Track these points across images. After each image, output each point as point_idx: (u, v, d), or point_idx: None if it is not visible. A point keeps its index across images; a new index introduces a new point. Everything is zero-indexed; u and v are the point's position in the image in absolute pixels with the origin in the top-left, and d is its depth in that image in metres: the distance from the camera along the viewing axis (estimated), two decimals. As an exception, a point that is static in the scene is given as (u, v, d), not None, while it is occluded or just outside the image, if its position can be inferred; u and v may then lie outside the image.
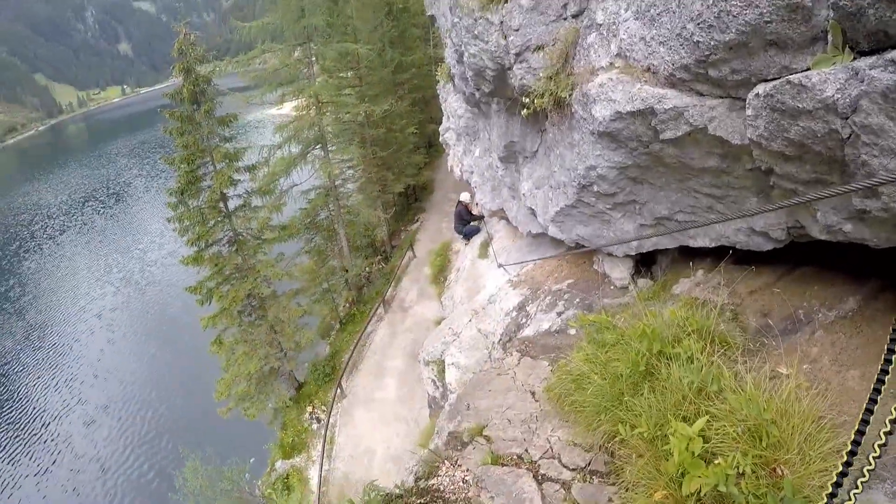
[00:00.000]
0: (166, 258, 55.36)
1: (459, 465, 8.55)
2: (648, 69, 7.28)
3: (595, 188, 9.65)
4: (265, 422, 27.68)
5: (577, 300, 13.77)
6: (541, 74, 9.44)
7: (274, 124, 29.58)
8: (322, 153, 30.26)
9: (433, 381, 18.25)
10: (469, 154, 19.43)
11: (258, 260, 25.42)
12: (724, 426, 5.48)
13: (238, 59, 28.56)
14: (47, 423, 38.52)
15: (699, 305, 8.60)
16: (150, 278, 54.70)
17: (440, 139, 25.41)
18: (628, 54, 7.57)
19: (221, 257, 24.44)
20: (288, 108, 31.46)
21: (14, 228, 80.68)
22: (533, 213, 13.89)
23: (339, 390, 25.51)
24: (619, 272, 13.40)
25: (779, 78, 5.48)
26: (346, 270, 32.98)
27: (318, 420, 26.09)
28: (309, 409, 26.86)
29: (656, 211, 9.84)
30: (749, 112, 6.00)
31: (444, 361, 16.91)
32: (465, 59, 11.83)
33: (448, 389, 15.91)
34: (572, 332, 12.64)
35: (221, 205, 24.02)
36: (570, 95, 8.81)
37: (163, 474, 31.88)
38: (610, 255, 12.61)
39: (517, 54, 9.95)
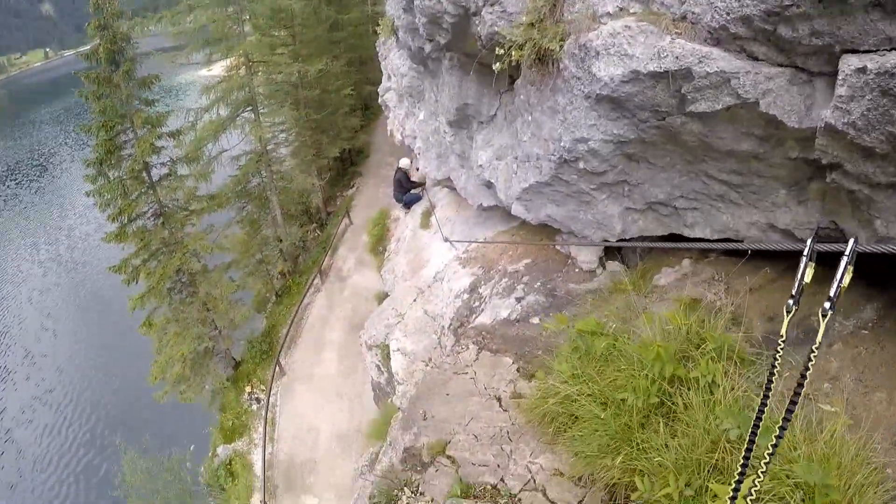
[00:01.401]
0: (95, 233, 50.07)
1: (422, 494, 7.19)
2: (684, 17, 5.49)
3: (581, 164, 7.73)
4: (204, 405, 25.85)
5: (538, 284, 11.99)
6: (520, 20, 7.41)
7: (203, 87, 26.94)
8: (253, 116, 27.94)
9: (377, 366, 16.51)
10: (412, 117, 17.17)
11: (186, 233, 23.33)
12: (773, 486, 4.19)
13: (161, 15, 25.46)
14: None
15: (694, 305, 7.36)
16: (80, 257, 50.86)
17: (379, 100, 23.22)
18: (653, -4, 5.61)
19: (147, 231, 22.26)
20: (218, 69, 29.05)
21: None
22: (489, 185, 11.89)
23: (277, 368, 23.74)
24: (587, 254, 11.58)
25: (875, 51, 4.20)
26: (280, 240, 30.87)
27: (258, 400, 24.32)
28: (248, 389, 24.98)
29: (650, 194, 8.11)
30: (842, 91, 4.53)
31: (388, 346, 15.15)
32: (415, 3, 9.61)
33: (395, 379, 14.12)
34: (535, 321, 10.86)
35: (144, 174, 21.76)
36: (559, 48, 6.85)
37: (103, 467, 29.54)
38: (576, 235, 10.63)
39: None
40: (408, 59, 15.09)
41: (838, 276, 2.60)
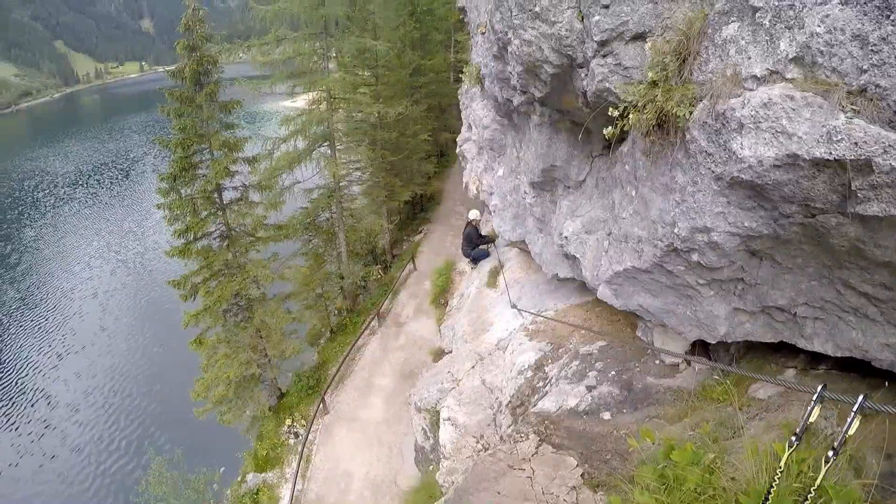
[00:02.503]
0: (165, 244, 50.82)
1: None
2: (863, 91, 4.05)
3: (694, 257, 6.27)
4: (241, 430, 24.95)
5: (613, 373, 10.42)
6: (639, 77, 6.13)
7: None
8: (329, 151, 27.36)
9: (424, 430, 15.09)
10: (490, 172, 15.89)
11: (249, 259, 22.55)
12: None
13: (250, 43, 25.17)
14: (33, 403, 35.58)
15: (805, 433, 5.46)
16: (148, 264, 51.19)
17: (457, 150, 22.08)
18: (821, 61, 4.32)
19: (211, 251, 21.56)
20: (301, 102, 28.84)
21: (18, 193, 76.46)
22: (569, 258, 10.42)
23: (321, 405, 22.55)
24: (673, 347, 9.93)
25: None
26: (343, 277, 29.97)
27: (297, 435, 23.15)
28: (288, 421, 23.87)
29: (768, 297, 6.63)
30: None
31: (438, 413, 13.66)
32: (510, 50, 8.37)
33: (441, 451, 12.59)
34: (607, 416, 9.32)
35: (216, 196, 21.18)
36: (687, 114, 5.42)
37: (133, 470, 29.10)
38: (667, 328, 9.05)
39: (601, 43, 6.58)
40: (492, 110, 13.88)
41: (845, 427, 2.88)
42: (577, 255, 9.67)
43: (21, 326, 43.43)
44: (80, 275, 50.83)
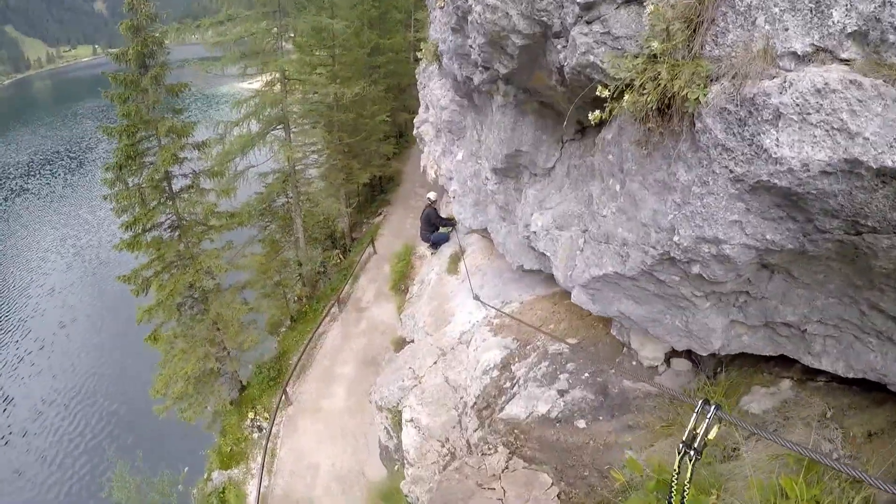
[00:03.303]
0: (121, 236, 48.44)
1: None
2: None
3: (695, 269, 5.10)
4: (203, 426, 23.48)
5: (586, 375, 9.35)
6: (634, 49, 4.87)
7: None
8: (284, 134, 25.83)
9: (386, 429, 14.13)
10: (449, 156, 14.55)
11: (202, 249, 21.11)
12: None
13: (200, 23, 23.33)
14: None
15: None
16: (104, 256, 48.12)
17: (414, 132, 20.73)
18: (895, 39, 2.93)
19: (162, 243, 20.07)
20: (259, 83, 26.93)
21: None
22: (536, 250, 9.18)
23: (284, 397, 21.54)
24: (651, 350, 8.83)
25: None
26: (301, 264, 28.58)
27: (260, 429, 22.00)
28: (251, 415, 22.63)
29: (776, 312, 5.60)
30: None
31: (400, 413, 12.47)
32: (470, 19, 7.05)
33: (405, 457, 11.46)
34: (581, 424, 8.23)
35: (164, 184, 19.63)
36: (700, 97, 4.06)
37: (102, 472, 26.64)
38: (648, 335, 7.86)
39: (586, 6, 5.27)
40: (450, 90, 12.58)
41: (701, 430, 3.34)
42: (547, 253, 8.47)
43: None
44: (37, 270, 48.27)
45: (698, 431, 3.40)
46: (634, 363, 9.11)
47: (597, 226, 6.74)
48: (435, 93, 14.85)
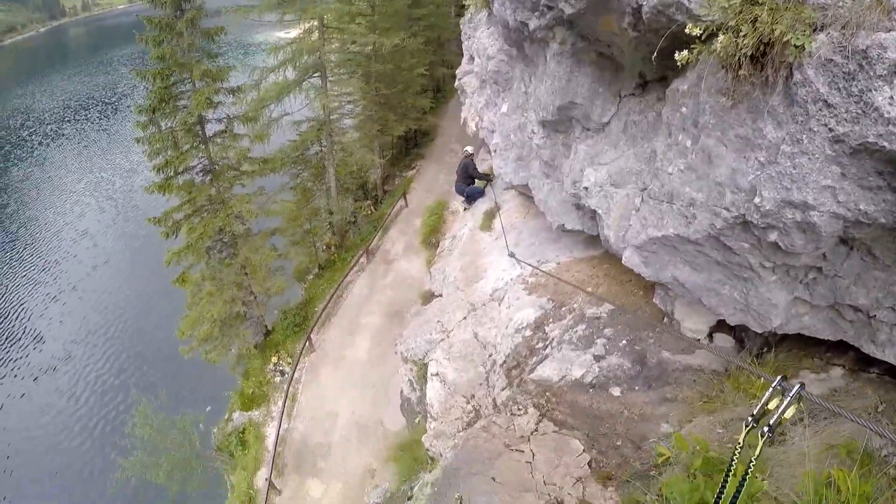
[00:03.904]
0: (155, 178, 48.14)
1: None
2: None
3: (772, 236, 4.58)
4: (227, 367, 23.59)
5: (623, 342, 8.92)
6: None
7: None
8: (320, 83, 25.22)
9: (410, 381, 13.93)
10: (493, 108, 13.90)
11: (234, 194, 20.81)
12: None
13: (238, -36, 22.79)
14: (29, 347, 33.76)
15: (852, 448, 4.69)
16: (137, 201, 47.93)
17: (456, 83, 20.42)
18: None
19: (194, 186, 19.77)
20: (297, 32, 26.30)
21: (3, 132, 71.24)
22: (586, 211, 8.71)
23: (308, 343, 21.54)
24: (695, 322, 8.34)
25: None
26: (332, 213, 28.37)
27: (283, 373, 21.96)
28: (274, 359, 22.59)
29: (847, 293, 5.18)
30: None
31: (426, 366, 12.20)
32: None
33: (428, 410, 11.27)
34: (616, 392, 7.85)
35: (198, 128, 19.30)
36: (807, 45, 3.56)
37: (125, 409, 26.94)
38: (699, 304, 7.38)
39: None
40: (500, 38, 11.92)
41: (780, 408, 3.16)
42: (599, 211, 7.89)
43: (12, 269, 41.45)
44: (70, 213, 48.39)
45: (770, 408, 3.26)
46: (676, 334, 8.70)
47: (659, 184, 6.22)
48: (482, 42, 14.15)
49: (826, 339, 6.03)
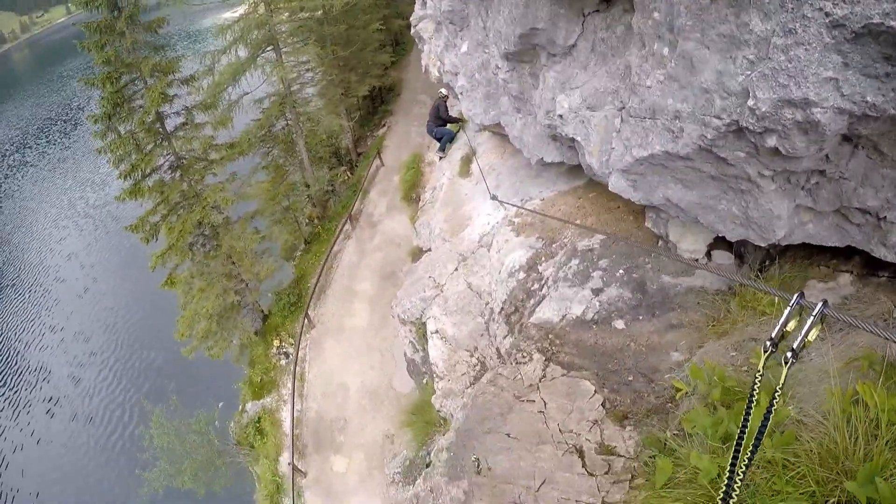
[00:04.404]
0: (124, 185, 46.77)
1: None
2: None
3: (771, 141, 4.07)
4: (231, 359, 23.24)
5: (621, 271, 8.55)
6: None
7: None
8: (275, 56, 24.29)
9: (412, 343, 13.72)
10: (452, 49, 13.14)
11: (206, 185, 20.28)
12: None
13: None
14: (37, 382, 33.15)
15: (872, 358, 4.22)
16: (112, 212, 46.09)
17: (412, 31, 19.63)
18: None
19: (165, 185, 19.33)
20: (243, 10, 25.01)
21: None
22: (565, 141, 8.18)
23: (306, 320, 21.37)
24: (692, 242, 7.92)
25: None
26: (308, 185, 27.70)
27: (287, 355, 21.80)
28: (276, 342, 22.46)
29: (854, 196, 4.72)
30: None
31: (425, 325, 11.79)
32: None
33: (433, 370, 11.00)
34: (620, 325, 7.52)
35: (158, 126, 18.77)
36: None
37: (139, 426, 26.25)
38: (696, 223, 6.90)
39: None
40: (449, -25, 11.16)
41: (804, 330, 2.81)
42: (578, 138, 7.30)
43: (3, 307, 40.64)
44: (51, 239, 47.46)
45: (789, 329, 2.94)
46: (673, 257, 8.30)
47: (638, 100, 5.67)
48: (432, -19, 13.37)
49: (830, 245, 5.63)
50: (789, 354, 2.76)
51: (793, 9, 3.49)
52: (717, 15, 4.15)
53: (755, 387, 2.83)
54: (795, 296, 2.97)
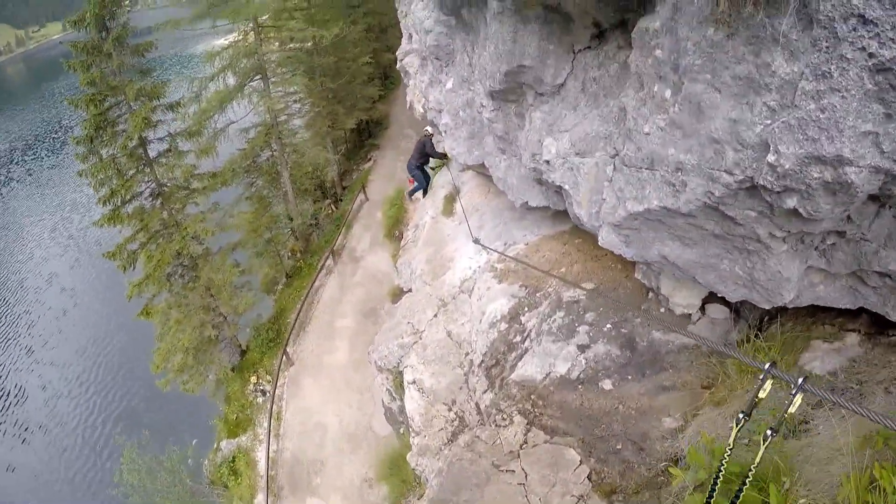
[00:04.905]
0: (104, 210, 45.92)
1: None
2: None
3: (791, 202, 3.41)
4: (207, 395, 22.48)
5: (608, 326, 7.88)
6: None
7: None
8: (262, 85, 23.91)
9: (389, 391, 12.88)
10: (437, 85, 12.66)
11: (186, 214, 19.69)
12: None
13: (163, -21, 21.53)
14: (12, 405, 32.22)
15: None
16: (97, 236, 44.60)
17: (398, 65, 19.21)
18: None
19: (145, 213, 18.76)
20: (234, 37, 25.03)
21: None
22: (551, 187, 7.59)
23: (284, 357, 20.60)
24: (686, 297, 7.29)
25: None
26: (291, 218, 27.15)
27: (264, 392, 20.99)
28: (253, 379, 21.58)
29: (875, 259, 4.10)
30: None
31: (402, 374, 11.06)
32: None
33: (410, 424, 10.16)
34: (608, 385, 6.86)
35: (140, 151, 18.19)
36: None
37: (113, 459, 25.64)
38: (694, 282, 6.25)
39: None
40: (435, 9, 10.71)
41: (786, 409, 2.70)
42: (565, 186, 6.69)
43: None
44: (32, 258, 46.72)
45: (760, 397, 2.90)
46: (663, 310, 7.66)
47: (634, 147, 5.07)
48: (418, 15, 12.83)
49: (841, 307, 5.02)
50: (769, 432, 2.77)
51: (828, 48, 2.90)
52: (732, 53, 3.54)
53: (722, 464, 2.85)
54: (767, 364, 2.88)
